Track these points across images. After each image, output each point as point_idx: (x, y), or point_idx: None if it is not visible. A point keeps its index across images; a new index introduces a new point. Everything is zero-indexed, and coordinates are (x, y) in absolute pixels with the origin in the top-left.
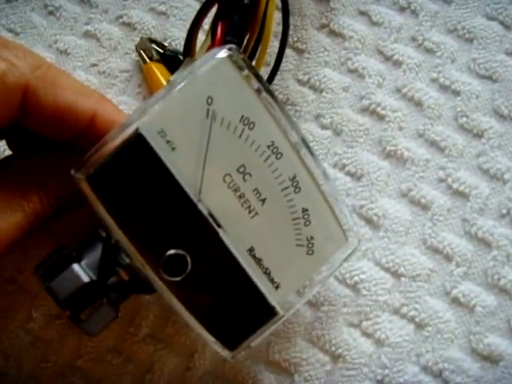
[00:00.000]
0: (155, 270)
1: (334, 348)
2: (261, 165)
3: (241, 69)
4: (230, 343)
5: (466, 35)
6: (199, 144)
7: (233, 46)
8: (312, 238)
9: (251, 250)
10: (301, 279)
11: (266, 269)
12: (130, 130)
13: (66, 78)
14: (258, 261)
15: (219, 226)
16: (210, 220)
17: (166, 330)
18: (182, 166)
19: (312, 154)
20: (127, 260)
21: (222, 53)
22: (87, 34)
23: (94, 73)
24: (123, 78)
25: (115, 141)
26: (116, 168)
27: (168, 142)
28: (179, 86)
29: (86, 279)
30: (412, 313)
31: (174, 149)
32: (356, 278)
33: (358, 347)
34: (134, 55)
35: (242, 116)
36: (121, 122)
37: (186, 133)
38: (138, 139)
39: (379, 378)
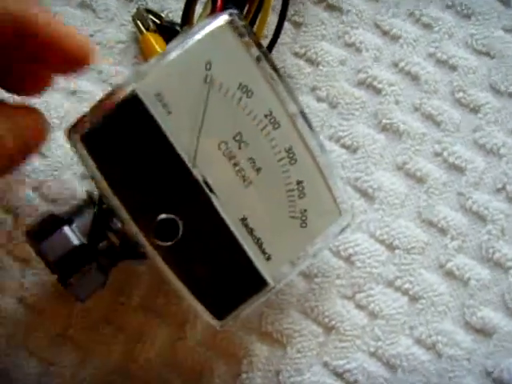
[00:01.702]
0: (146, 234)
1: (327, 320)
2: (257, 134)
3: (241, 35)
4: (218, 312)
5: (464, 11)
6: (196, 109)
7: (234, 11)
8: (306, 210)
9: (244, 220)
10: (293, 251)
11: (258, 239)
12: (126, 91)
13: None
14: (251, 231)
15: (213, 192)
16: (204, 186)
17: (158, 300)
18: (177, 130)
19: (309, 126)
20: (119, 225)
21: (223, 18)
22: (83, 5)
23: (91, 43)
24: (119, 48)
25: (111, 101)
26: (111, 129)
27: (164, 105)
28: (178, 50)
29: (76, 242)
30: (406, 285)
31: (170, 112)
32: (350, 250)
33: (351, 319)
34: (131, 26)
35: (241, 83)
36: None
37: (183, 97)
38: (134, 100)
39: (372, 350)
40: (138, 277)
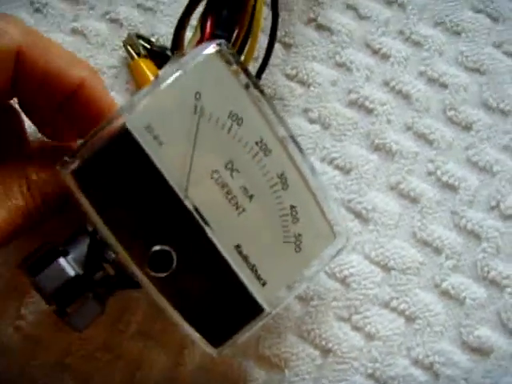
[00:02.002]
0: (140, 266)
1: (324, 342)
2: (249, 161)
3: (229, 64)
4: (215, 340)
5: (454, 28)
6: (187, 139)
7: (222, 40)
8: (300, 235)
9: (238, 247)
10: (289, 276)
11: (253, 266)
12: (116, 125)
13: (57, 46)
14: (245, 258)
15: (206, 222)
16: (197, 216)
17: (155, 326)
18: (169, 161)
19: (300, 150)
20: (113, 255)
21: (211, 48)
22: (74, 31)
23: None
24: (111, 74)
25: (102, 135)
26: (102, 163)
27: (155, 137)
28: (167, 81)
29: (72, 273)
30: (402, 306)
31: (161, 144)
32: (346, 272)
33: (348, 341)
34: (122, 51)
35: (231, 112)
36: (107, 117)
37: (173, 128)
38: (124, 134)
39: (370, 371)
40: (135, 303)
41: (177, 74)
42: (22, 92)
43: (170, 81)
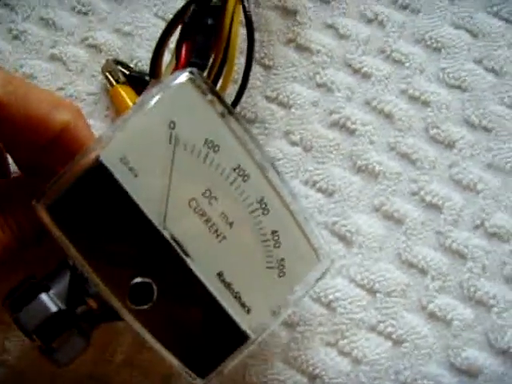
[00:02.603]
0: (121, 299)
1: (311, 368)
2: (227, 188)
3: (204, 93)
4: (201, 370)
5: (434, 45)
6: (163, 169)
7: (194, 69)
8: (283, 259)
9: (220, 275)
10: (273, 301)
11: (237, 293)
12: (90, 159)
13: (39, 91)
14: (228, 285)
15: (185, 252)
16: (176, 247)
17: (142, 355)
18: (145, 192)
19: (279, 174)
20: (95, 289)
21: (183, 77)
22: (53, 58)
23: (61, 96)
24: (90, 100)
25: (76, 170)
26: (77, 197)
27: (130, 168)
28: (140, 112)
29: (54, 309)
30: (389, 329)
31: (136, 175)
32: (331, 297)
33: (335, 367)
34: (101, 77)
35: (206, 139)
36: (84, 148)
37: (148, 159)
38: (98, 168)
39: None
40: (120, 333)
41: (150, 104)
42: (4, 136)
43: (143, 111)
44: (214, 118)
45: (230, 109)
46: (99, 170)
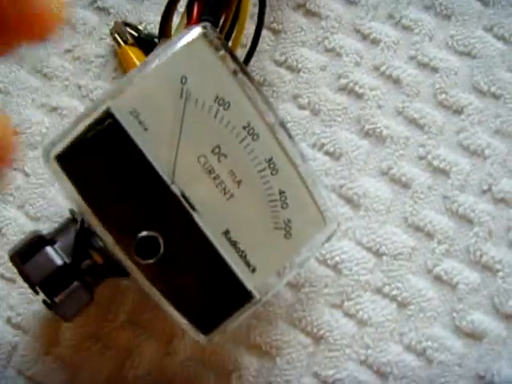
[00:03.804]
0: (127, 252)
1: (315, 330)
2: (236, 146)
3: (216, 48)
4: (204, 327)
5: (444, 12)
6: (173, 124)
7: (207, 23)
8: (289, 220)
9: (226, 233)
10: (278, 262)
11: (242, 252)
12: (100, 110)
13: None
14: (234, 244)
15: (193, 208)
16: (184, 202)
17: (145, 315)
18: (154, 146)
19: (289, 135)
20: (101, 243)
21: (196, 30)
22: None
23: (69, 58)
24: (98, 63)
25: (85, 120)
26: (86, 148)
27: (140, 122)
28: (152, 65)
29: (59, 262)
30: (394, 292)
31: (146, 129)
32: (337, 258)
33: (340, 328)
34: (109, 40)
35: (217, 96)
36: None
37: (159, 113)
38: (108, 118)
39: (362, 358)
40: (123, 293)
41: (162, 57)
42: None
43: (155, 65)
44: (226, 75)
45: (243, 66)
46: (109, 121)
